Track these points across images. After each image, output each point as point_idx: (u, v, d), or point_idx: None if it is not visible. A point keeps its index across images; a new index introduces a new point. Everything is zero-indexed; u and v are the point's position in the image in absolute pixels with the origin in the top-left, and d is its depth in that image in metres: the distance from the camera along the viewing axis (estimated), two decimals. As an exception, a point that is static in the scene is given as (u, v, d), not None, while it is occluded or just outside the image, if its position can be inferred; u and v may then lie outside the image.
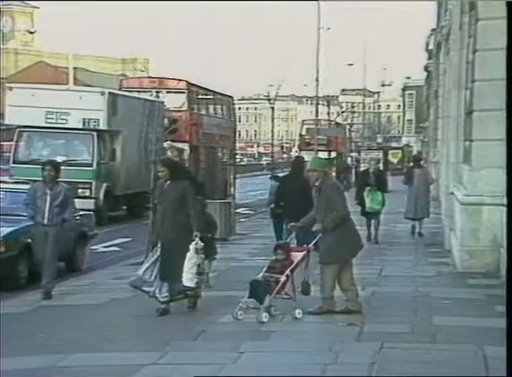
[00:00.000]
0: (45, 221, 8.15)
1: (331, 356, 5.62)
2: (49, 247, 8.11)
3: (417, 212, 14.37)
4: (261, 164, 60.29)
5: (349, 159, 42.71)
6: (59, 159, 17.92)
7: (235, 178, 26.68)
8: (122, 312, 7.32)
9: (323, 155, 30.13)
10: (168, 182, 7.21)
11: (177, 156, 9.01)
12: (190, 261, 7.00)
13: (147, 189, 13.03)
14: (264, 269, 6.94)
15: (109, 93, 18.32)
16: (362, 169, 23.45)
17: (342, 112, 65.55)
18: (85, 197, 16.77)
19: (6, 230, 9.54)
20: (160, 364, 5.50)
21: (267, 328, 6.58)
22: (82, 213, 11.66)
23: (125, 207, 19.80)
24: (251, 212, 22.26)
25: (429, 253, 12.22)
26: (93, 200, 17.24)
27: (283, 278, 6.76)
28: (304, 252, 6.91)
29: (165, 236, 7.10)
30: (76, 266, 10.91)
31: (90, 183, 17.57)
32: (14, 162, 17.55)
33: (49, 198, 8.17)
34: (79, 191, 16.83)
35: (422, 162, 17.51)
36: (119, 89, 22.07)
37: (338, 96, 71.26)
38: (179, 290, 7.07)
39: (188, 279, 7.04)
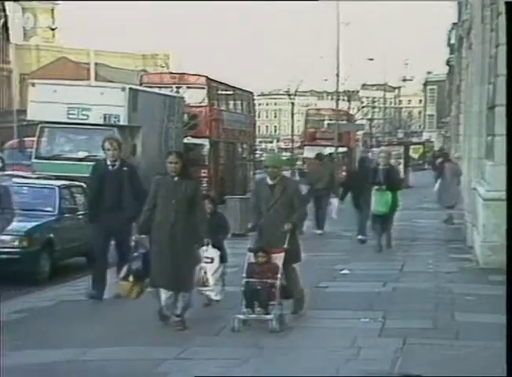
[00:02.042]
0: None
1: (353, 351, 5.61)
2: None
3: (451, 200, 15.48)
4: (292, 159, 60.21)
5: (369, 155, 42.31)
6: (80, 154, 18.15)
7: (254, 174, 26.67)
8: (144, 307, 7.33)
9: (329, 150, 29.11)
10: (176, 178, 6.38)
11: (117, 149, 7.72)
12: (217, 273, 6.63)
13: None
14: (244, 275, 6.37)
15: (130, 88, 18.36)
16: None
17: (363, 107, 65.24)
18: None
19: (29, 225, 9.62)
20: (182, 359, 5.51)
21: (288, 323, 6.56)
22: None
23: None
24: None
25: (451, 249, 12.12)
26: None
27: (278, 282, 6.33)
28: (283, 253, 6.46)
29: (177, 239, 6.26)
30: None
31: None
32: (36, 158, 17.66)
33: None
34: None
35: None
36: (140, 85, 22.13)
37: (358, 92, 70.89)
38: (188, 304, 6.43)
39: (218, 292, 6.72)
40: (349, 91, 53.63)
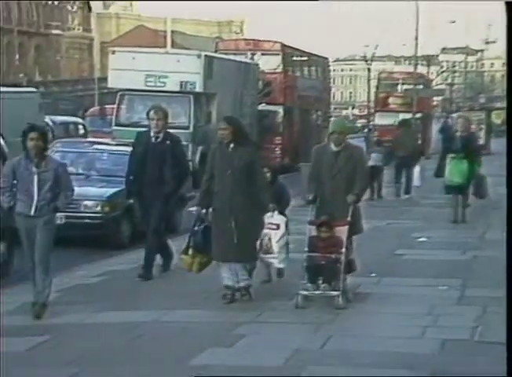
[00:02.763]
0: (33, 212, 5.78)
1: (431, 319, 5.56)
2: (39, 248, 5.80)
3: None
4: (356, 126, 59.51)
5: (449, 121, 41.14)
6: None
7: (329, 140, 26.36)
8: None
9: (403, 116, 27.93)
10: (231, 146, 6.08)
11: (162, 119, 7.18)
12: (282, 240, 6.09)
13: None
14: (306, 249, 6.04)
15: (205, 55, 18.46)
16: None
17: (442, 72, 63.29)
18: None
19: (110, 191, 9.89)
20: (258, 322, 5.61)
21: (363, 290, 6.55)
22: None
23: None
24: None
25: (535, 217, 11.69)
26: (189, 163, 17.55)
27: (343, 257, 5.94)
28: (347, 226, 6.06)
29: (237, 210, 6.01)
30: (173, 227, 11.20)
31: (187, 146, 17.81)
32: (116, 125, 18.06)
33: (36, 179, 5.75)
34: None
35: None
36: (215, 52, 22.22)
37: (438, 56, 68.69)
38: (252, 270, 6.23)
39: (281, 260, 6.15)
40: (428, 55, 52.04)
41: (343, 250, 5.98)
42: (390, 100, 30.57)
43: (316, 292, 5.95)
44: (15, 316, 5.88)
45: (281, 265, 6.32)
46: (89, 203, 9.55)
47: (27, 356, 4.87)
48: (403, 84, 31.71)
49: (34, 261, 5.87)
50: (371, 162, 15.72)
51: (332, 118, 26.67)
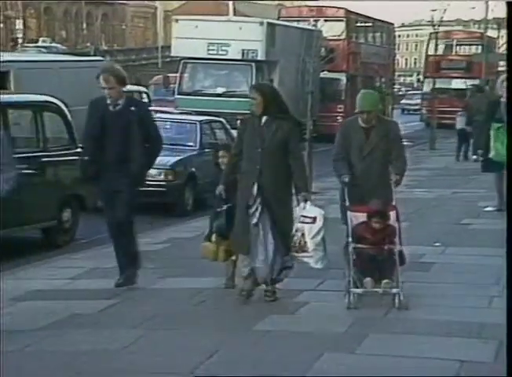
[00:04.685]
0: None
1: (498, 288, 5.44)
2: None
3: None
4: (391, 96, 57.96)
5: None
6: (219, 90, 18.51)
7: (393, 108, 26.00)
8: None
9: (457, 83, 25.28)
10: (263, 119, 5.15)
11: (115, 87, 5.49)
12: (318, 235, 5.10)
13: (303, 120, 13.00)
14: (350, 240, 5.13)
15: (267, 23, 18.33)
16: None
17: (513, 36, 60.81)
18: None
19: (173, 159, 10.02)
20: (320, 290, 5.62)
21: (426, 260, 6.45)
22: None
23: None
24: (409, 143, 21.67)
25: None
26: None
27: (397, 247, 5.12)
28: (394, 211, 5.25)
29: (268, 193, 5.10)
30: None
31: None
32: (179, 94, 18.21)
33: None
34: (238, 122, 17.22)
35: None
36: (278, 19, 22.03)
37: (509, 18, 66.09)
38: (280, 269, 5.26)
39: (318, 259, 5.15)
40: (499, 18, 50.08)
41: (396, 239, 5.13)
42: (443, 63, 27.02)
43: (373, 290, 5.04)
44: (82, 280, 6.07)
45: (318, 266, 5.21)
46: (153, 171, 9.59)
47: (96, 319, 5.02)
48: (458, 45, 28.79)
49: None
50: (458, 125, 16.31)
51: (403, 88, 25.47)
